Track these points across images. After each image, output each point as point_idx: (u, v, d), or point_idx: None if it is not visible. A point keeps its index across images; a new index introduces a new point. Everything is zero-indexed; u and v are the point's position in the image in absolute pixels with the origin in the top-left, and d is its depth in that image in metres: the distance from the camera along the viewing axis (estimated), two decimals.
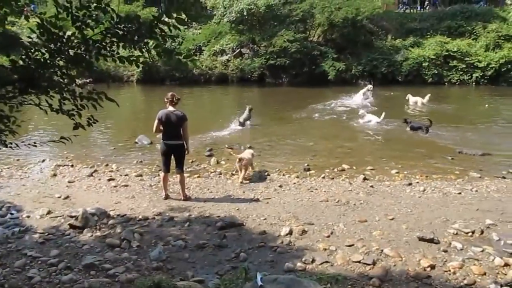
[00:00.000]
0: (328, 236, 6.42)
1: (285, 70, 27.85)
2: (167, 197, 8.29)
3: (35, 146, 5.22)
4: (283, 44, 26.16)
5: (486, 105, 19.75)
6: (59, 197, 8.30)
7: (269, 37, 27.28)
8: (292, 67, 27.46)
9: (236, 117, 15.54)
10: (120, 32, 3.45)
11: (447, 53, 27.24)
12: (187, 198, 8.22)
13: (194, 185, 9.11)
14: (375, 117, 15.36)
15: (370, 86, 21.10)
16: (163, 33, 3.42)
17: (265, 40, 27.57)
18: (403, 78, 27.02)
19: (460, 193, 8.53)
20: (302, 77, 27.59)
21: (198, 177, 9.74)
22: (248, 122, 15.07)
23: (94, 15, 3.47)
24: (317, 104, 19.73)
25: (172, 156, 8.18)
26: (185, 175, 8.84)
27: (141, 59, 3.54)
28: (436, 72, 27.01)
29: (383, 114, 15.27)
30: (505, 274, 5.30)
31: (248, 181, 9.48)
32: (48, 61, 3.50)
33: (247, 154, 9.78)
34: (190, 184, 9.14)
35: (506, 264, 5.52)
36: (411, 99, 19.78)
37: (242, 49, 29.66)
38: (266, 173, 9.90)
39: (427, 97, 19.37)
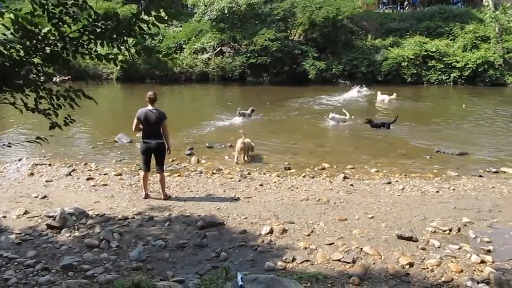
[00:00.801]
0: (309, 235, 6.44)
1: (266, 69, 27.88)
2: (147, 196, 8.21)
3: (10, 146, 5.10)
4: (264, 43, 26.18)
5: (463, 105, 20.08)
6: (37, 197, 8.15)
7: (250, 35, 27.26)
8: (273, 66, 27.52)
9: (222, 115, 15.98)
10: (98, 30, 3.38)
11: (425, 53, 27.63)
12: (167, 197, 8.16)
13: (174, 184, 9.05)
14: (342, 116, 15.36)
15: (365, 89, 22.54)
16: (142, 31, 3.36)
17: (246, 39, 27.55)
18: (382, 78, 27.30)
19: (438, 192, 8.66)
20: (283, 76, 27.68)
21: (179, 176, 9.68)
22: (247, 117, 16.02)
23: (71, 12, 3.40)
24: (297, 103, 19.83)
25: (153, 155, 8.11)
26: (165, 174, 8.78)
27: (120, 57, 3.48)
28: (415, 71, 27.38)
29: (347, 113, 15.35)
30: (481, 271, 5.39)
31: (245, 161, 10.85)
32: (24, 59, 3.42)
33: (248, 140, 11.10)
34: (170, 183, 9.07)
35: (482, 261, 5.63)
36: (379, 96, 20.46)
37: (223, 48, 29.58)
38: (247, 172, 9.89)
39: (393, 95, 20.07)
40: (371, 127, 14.49)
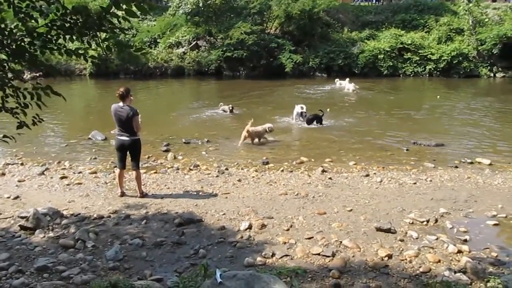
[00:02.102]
0: (288, 230, 6.46)
1: (242, 63, 27.86)
2: (123, 194, 8.11)
3: None
4: (240, 36, 26.14)
5: (438, 96, 20.42)
6: (9, 197, 7.96)
7: (226, 29, 27.18)
8: (249, 60, 27.51)
9: (198, 110, 15.60)
10: (67, 25, 3.29)
11: (401, 46, 28.04)
12: (143, 195, 8.08)
13: (150, 182, 8.96)
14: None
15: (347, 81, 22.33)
16: (112, 26, 3.28)
17: (222, 32, 27.45)
18: (359, 70, 27.60)
19: (415, 183, 8.79)
20: (260, 69, 27.72)
21: (155, 173, 9.58)
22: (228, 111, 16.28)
23: (38, 7, 3.30)
24: (274, 97, 19.87)
25: (128, 152, 8.00)
26: (141, 171, 8.68)
27: (91, 53, 3.40)
28: (391, 64, 27.75)
29: (303, 106, 14.78)
30: (458, 261, 5.50)
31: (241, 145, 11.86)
32: None
33: (259, 128, 12.14)
34: (147, 180, 8.98)
35: (459, 251, 5.74)
36: (347, 85, 21.26)
37: (198, 42, 29.42)
38: (225, 168, 9.85)
39: (353, 84, 21.10)
40: (306, 123, 14.33)
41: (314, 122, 14.22)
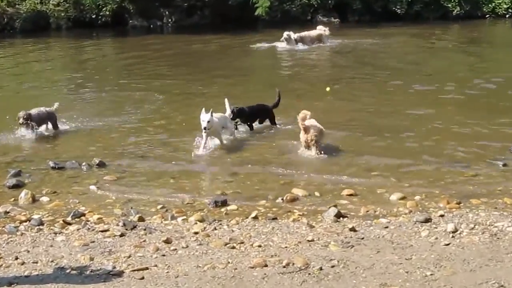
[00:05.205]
0: None
1: (165, 2, 27.92)
2: None
3: None
4: None
5: None
6: None
7: None
8: None
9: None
10: None
11: None
12: None
13: None
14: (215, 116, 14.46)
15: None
16: None
17: None
18: (403, 10, 28.08)
19: None
20: (204, 13, 27.89)
21: None
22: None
23: None
24: (232, 69, 19.91)
25: None
26: None
27: None
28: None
29: (227, 104, 14.37)
30: None
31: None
32: None
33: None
34: None
35: None
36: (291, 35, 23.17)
37: None
38: (137, 216, 9.68)
39: (326, 30, 23.19)
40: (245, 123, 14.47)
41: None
